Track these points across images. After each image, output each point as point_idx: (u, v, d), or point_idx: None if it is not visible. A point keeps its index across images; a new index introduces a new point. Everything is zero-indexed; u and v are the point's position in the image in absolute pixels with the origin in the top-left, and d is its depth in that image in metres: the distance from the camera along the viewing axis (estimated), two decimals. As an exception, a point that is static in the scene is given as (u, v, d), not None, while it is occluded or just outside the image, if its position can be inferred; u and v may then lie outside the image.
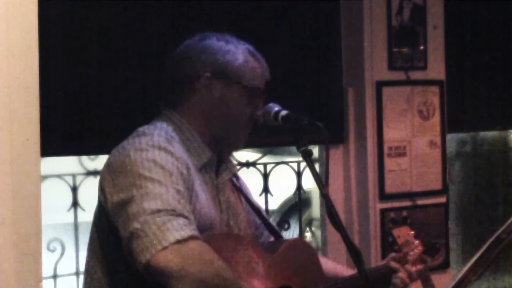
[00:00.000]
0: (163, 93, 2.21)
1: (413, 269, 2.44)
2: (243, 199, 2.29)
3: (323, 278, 2.30)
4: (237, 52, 2.14)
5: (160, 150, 1.96)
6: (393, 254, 2.46)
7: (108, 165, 2.02)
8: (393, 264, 2.40)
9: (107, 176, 1.98)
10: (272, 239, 2.37)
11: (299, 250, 2.28)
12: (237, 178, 2.33)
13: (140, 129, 2.09)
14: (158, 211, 1.82)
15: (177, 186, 1.91)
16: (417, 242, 2.53)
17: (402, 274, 2.38)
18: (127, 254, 1.85)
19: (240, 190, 2.29)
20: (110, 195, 1.94)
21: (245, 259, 2.05)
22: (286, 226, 3.91)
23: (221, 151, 2.18)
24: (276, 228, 2.40)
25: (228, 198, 2.19)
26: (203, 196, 2.06)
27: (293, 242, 2.30)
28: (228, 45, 2.15)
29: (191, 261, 1.79)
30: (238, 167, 3.29)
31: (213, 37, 2.17)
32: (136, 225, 1.82)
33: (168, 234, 1.79)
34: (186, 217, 1.85)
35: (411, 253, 2.48)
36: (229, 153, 2.23)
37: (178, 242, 1.78)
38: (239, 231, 2.18)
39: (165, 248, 1.77)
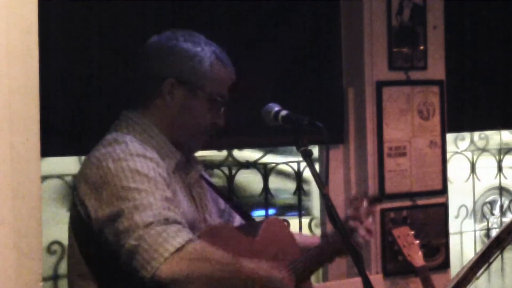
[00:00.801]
0: (129, 91, 2.19)
1: (368, 222, 2.38)
2: (207, 187, 2.29)
3: (299, 250, 2.34)
4: (204, 56, 2.10)
5: (139, 157, 1.95)
6: (348, 213, 2.37)
7: (84, 178, 1.98)
8: (351, 223, 2.31)
9: (86, 191, 1.96)
10: (237, 220, 2.39)
11: (276, 228, 2.33)
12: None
13: (109, 136, 2.07)
14: (151, 223, 1.83)
15: (164, 192, 1.91)
16: (363, 198, 2.47)
17: (361, 232, 2.32)
18: (128, 270, 1.86)
19: (203, 179, 2.29)
20: (94, 210, 1.93)
21: (241, 246, 2.08)
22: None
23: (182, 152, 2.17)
24: (244, 209, 2.41)
25: (199, 193, 2.21)
26: (181, 197, 2.07)
27: (270, 222, 2.35)
28: (196, 48, 2.11)
29: (195, 263, 1.82)
30: (237, 167, 3.29)
31: (181, 38, 2.13)
32: (132, 241, 1.82)
33: (166, 244, 1.80)
34: (178, 223, 1.86)
35: (360, 207, 2.43)
36: (189, 155, 2.21)
37: (178, 250, 1.80)
38: (215, 222, 2.20)
39: (166, 259, 1.79)
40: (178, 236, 1.82)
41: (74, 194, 2.01)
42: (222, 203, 2.36)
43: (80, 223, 2.01)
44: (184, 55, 2.10)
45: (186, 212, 2.04)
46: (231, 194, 3.29)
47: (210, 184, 2.32)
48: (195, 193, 2.18)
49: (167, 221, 1.84)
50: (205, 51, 2.11)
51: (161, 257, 1.79)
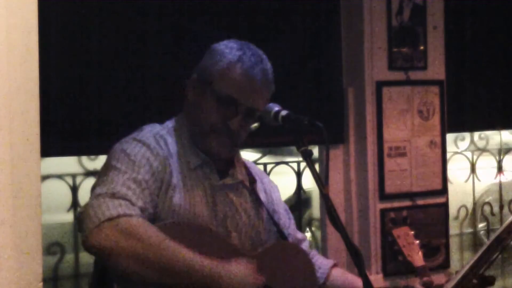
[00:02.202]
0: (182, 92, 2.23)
1: None
2: (260, 206, 2.26)
3: (314, 284, 2.27)
4: (227, 57, 2.09)
5: (138, 142, 2.04)
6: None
7: None
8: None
9: None
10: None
11: (289, 253, 2.24)
12: (255, 181, 2.29)
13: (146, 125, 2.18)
14: (99, 195, 1.90)
15: (136, 174, 1.96)
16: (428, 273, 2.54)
17: None
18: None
19: (257, 196, 2.26)
20: None
21: (211, 250, 1.99)
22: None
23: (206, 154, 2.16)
24: (290, 237, 2.34)
25: (231, 200, 2.17)
26: (187, 193, 2.06)
27: (282, 244, 2.27)
28: (226, 49, 2.11)
29: (123, 236, 1.84)
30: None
31: (225, 42, 2.15)
32: (80, 209, 1.94)
33: (99, 213, 1.86)
34: (127, 200, 1.90)
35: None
36: (211, 155, 2.15)
37: (109, 219, 1.85)
38: (237, 233, 2.17)
39: (96, 226, 1.84)
40: (115, 209, 1.87)
41: None
42: (269, 223, 2.28)
43: None
44: (212, 54, 2.13)
45: (183, 205, 2.04)
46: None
47: (260, 202, 2.27)
48: (223, 197, 2.15)
49: (113, 195, 1.89)
50: (232, 53, 2.10)
51: (92, 224, 1.85)
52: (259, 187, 2.29)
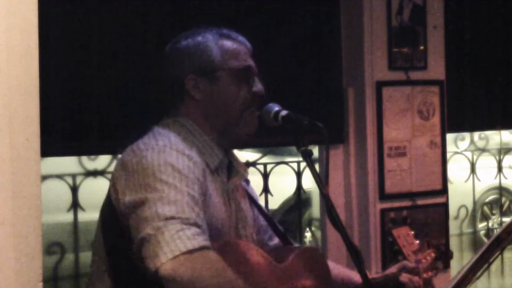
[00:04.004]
0: (165, 97, 2.20)
1: (424, 275, 2.43)
2: (252, 204, 2.27)
3: (332, 284, 2.27)
4: (207, 41, 2.10)
5: (178, 153, 1.94)
6: (405, 262, 2.43)
7: (122, 163, 1.98)
8: (403, 279, 2.37)
9: (120, 174, 1.95)
10: (275, 241, 2.34)
11: (310, 258, 2.24)
12: (247, 182, 2.30)
13: (155, 129, 2.08)
14: (172, 218, 1.80)
15: (193, 192, 1.88)
16: (430, 250, 2.52)
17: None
18: (137, 257, 1.84)
19: (249, 195, 2.27)
20: (123, 194, 1.91)
21: (257, 269, 2.01)
22: (285, 226, 3.91)
23: (230, 146, 2.15)
24: (284, 232, 2.35)
25: (238, 203, 2.16)
26: (216, 200, 2.04)
27: (304, 250, 2.26)
28: (196, 39, 2.11)
29: (201, 271, 1.78)
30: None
31: (182, 38, 2.15)
32: (149, 230, 1.80)
33: (179, 243, 1.77)
34: (199, 226, 1.83)
35: (423, 260, 2.47)
36: (240, 142, 2.17)
37: (189, 252, 1.77)
38: (246, 236, 2.16)
39: (175, 257, 1.76)
40: (194, 239, 1.78)
41: (111, 180, 2.01)
42: (261, 220, 2.31)
43: (108, 209, 2.01)
44: (191, 49, 2.11)
45: (216, 216, 2.01)
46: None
47: (252, 199, 2.28)
48: (233, 200, 2.14)
49: (188, 221, 1.81)
50: (205, 37, 2.11)
51: (170, 253, 1.76)
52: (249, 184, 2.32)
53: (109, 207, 2.00)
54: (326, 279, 2.23)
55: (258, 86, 2.12)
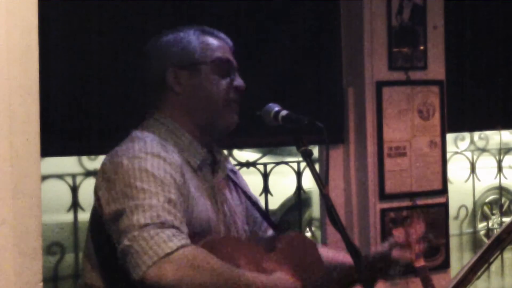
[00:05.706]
0: (144, 95, 2.20)
1: (417, 249, 2.41)
2: (241, 194, 2.28)
3: (323, 270, 2.28)
4: (189, 36, 2.12)
5: (153, 157, 1.95)
6: (395, 238, 2.42)
7: (102, 172, 2.00)
8: (395, 255, 2.36)
9: (102, 184, 1.97)
10: (270, 232, 2.35)
11: (298, 245, 2.26)
12: (234, 172, 2.31)
13: (133, 133, 2.08)
14: (146, 225, 1.82)
15: (169, 194, 1.89)
16: (420, 225, 2.49)
17: (406, 255, 2.36)
18: (123, 267, 1.85)
19: (237, 185, 2.27)
20: (105, 205, 1.94)
21: (248, 259, 2.03)
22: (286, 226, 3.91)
23: (212, 141, 2.16)
24: (274, 221, 2.37)
25: (225, 197, 2.18)
26: (201, 199, 2.05)
27: (292, 237, 2.28)
28: (178, 34, 2.13)
29: (184, 269, 1.80)
30: (237, 167, 3.29)
31: (163, 35, 2.17)
32: (126, 241, 1.82)
33: (156, 248, 1.79)
34: (176, 228, 1.84)
35: (412, 231, 2.45)
36: (221, 136, 2.18)
37: (167, 254, 1.79)
38: (236, 229, 2.17)
39: (155, 263, 1.78)
40: (170, 241, 1.80)
41: (94, 188, 2.02)
42: (251, 210, 2.32)
43: (95, 217, 2.03)
44: (172, 43, 2.12)
45: (201, 214, 2.02)
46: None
47: (245, 194, 2.29)
48: (219, 195, 2.15)
49: (163, 225, 1.82)
50: (187, 32, 2.13)
51: (149, 260, 1.78)
52: (238, 174, 2.32)
53: (96, 216, 2.03)
54: (310, 266, 2.23)
55: (238, 81, 2.14)
